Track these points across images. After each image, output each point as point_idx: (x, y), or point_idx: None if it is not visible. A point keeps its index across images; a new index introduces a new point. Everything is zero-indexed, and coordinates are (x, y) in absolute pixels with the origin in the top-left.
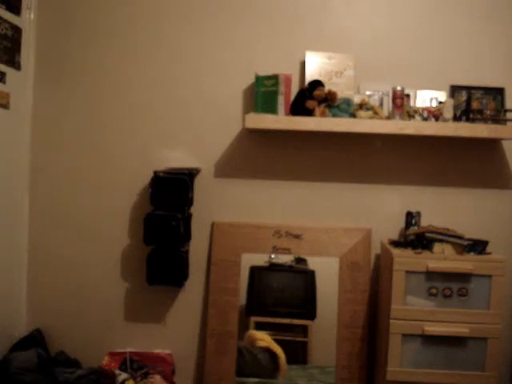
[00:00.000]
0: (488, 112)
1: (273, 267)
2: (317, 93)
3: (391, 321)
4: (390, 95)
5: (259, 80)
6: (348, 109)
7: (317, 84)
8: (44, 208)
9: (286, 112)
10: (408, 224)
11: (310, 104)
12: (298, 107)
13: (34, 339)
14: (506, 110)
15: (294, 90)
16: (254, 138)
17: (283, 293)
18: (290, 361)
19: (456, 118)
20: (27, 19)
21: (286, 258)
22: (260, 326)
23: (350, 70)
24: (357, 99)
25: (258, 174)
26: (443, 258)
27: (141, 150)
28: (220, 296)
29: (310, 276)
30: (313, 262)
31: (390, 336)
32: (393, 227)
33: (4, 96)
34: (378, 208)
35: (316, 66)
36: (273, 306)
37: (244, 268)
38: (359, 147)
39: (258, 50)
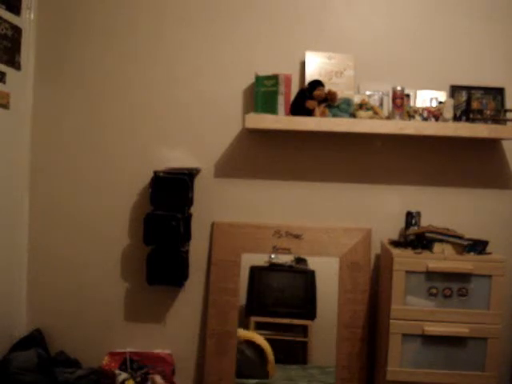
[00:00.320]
0: (488, 112)
1: (273, 267)
2: (317, 93)
3: (391, 321)
4: (390, 95)
5: (259, 80)
6: (348, 109)
7: (317, 84)
8: (44, 208)
9: (286, 112)
10: (408, 224)
11: (310, 104)
12: (298, 107)
13: (34, 339)
14: (506, 110)
15: (294, 89)
16: (254, 138)
17: (283, 293)
18: (289, 361)
19: (456, 118)
20: (27, 19)
21: (286, 258)
22: (260, 326)
23: (350, 69)
24: (357, 99)
25: (258, 174)
26: (443, 258)
27: (141, 150)
28: (220, 296)
29: (309, 276)
30: (313, 262)
31: (390, 336)
32: (393, 227)
33: (4, 96)
34: (378, 208)
35: (316, 65)
36: (273, 305)
37: (244, 268)
38: (359, 147)
39: (258, 50)
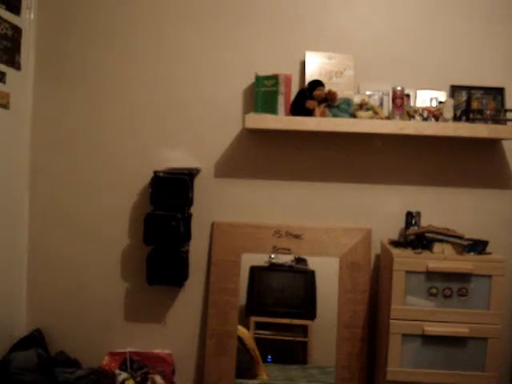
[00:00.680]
0: (488, 112)
1: (273, 267)
2: (317, 93)
3: (391, 321)
4: (390, 95)
5: (259, 80)
6: (348, 109)
7: (317, 84)
8: (44, 208)
9: (286, 112)
10: (408, 224)
11: (310, 104)
12: (298, 107)
13: (34, 339)
14: (506, 110)
15: (294, 90)
16: (254, 138)
17: (283, 293)
18: (289, 361)
19: (456, 118)
20: (27, 19)
21: (286, 258)
22: (260, 326)
23: (350, 69)
24: (357, 99)
25: (258, 174)
26: (443, 258)
27: (141, 149)
28: (220, 296)
29: (309, 276)
30: (313, 262)
31: (390, 336)
32: (393, 227)
33: (4, 96)
34: (378, 208)
35: (316, 65)
36: (273, 305)
37: (244, 268)
38: (359, 147)
39: (258, 50)
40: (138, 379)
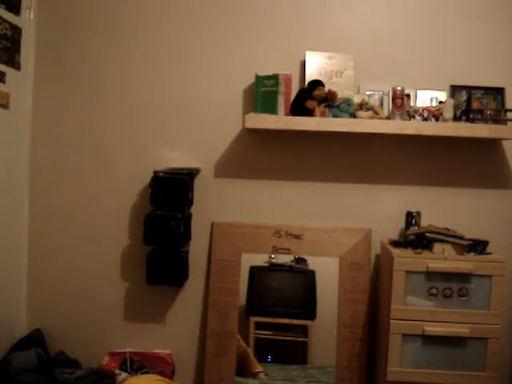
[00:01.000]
0: (488, 112)
1: (273, 267)
2: (317, 93)
3: (391, 321)
4: (390, 95)
5: (259, 80)
6: (348, 109)
7: (317, 84)
8: (44, 208)
9: (286, 112)
10: (408, 224)
11: (310, 104)
12: (298, 107)
13: (34, 339)
14: (506, 110)
15: (294, 90)
16: (253, 137)
17: (283, 293)
18: (289, 361)
19: (456, 118)
20: (27, 19)
21: (285, 258)
22: (260, 326)
23: (350, 69)
24: (357, 99)
25: (257, 174)
26: (443, 258)
27: (141, 150)
28: (220, 296)
29: (309, 276)
30: (313, 262)
31: (390, 336)
32: (393, 227)
33: (4, 96)
34: (378, 208)
35: (316, 65)
36: (273, 306)
37: (244, 268)
38: (359, 147)
39: (258, 50)
40: None
